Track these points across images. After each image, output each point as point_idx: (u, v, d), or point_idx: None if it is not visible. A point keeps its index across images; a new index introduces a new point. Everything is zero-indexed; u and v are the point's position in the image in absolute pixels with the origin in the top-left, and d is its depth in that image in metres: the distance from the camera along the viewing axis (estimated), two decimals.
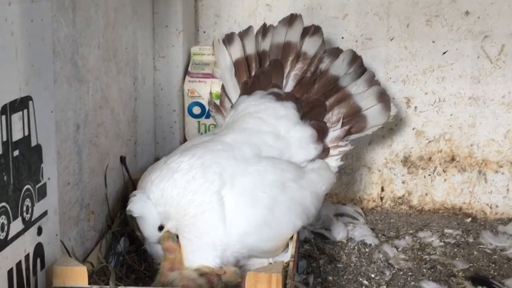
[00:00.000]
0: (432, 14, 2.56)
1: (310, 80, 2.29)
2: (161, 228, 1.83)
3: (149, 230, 1.84)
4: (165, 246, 1.82)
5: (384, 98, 2.32)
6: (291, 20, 2.39)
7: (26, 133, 1.44)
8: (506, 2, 2.51)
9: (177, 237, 1.83)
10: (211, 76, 2.48)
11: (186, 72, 2.53)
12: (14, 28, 1.36)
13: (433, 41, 2.58)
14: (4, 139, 1.35)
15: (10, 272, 1.39)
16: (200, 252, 1.80)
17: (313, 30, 2.37)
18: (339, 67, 2.32)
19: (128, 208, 1.84)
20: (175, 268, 1.79)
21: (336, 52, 2.36)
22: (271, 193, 1.90)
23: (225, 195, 1.83)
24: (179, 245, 1.82)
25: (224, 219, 1.81)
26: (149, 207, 1.82)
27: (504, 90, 2.58)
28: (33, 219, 1.48)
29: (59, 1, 1.64)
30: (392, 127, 2.65)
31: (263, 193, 1.88)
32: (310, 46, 2.34)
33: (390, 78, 2.61)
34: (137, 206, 1.82)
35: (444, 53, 2.58)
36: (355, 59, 2.36)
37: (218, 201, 1.81)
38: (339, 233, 2.46)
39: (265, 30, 2.44)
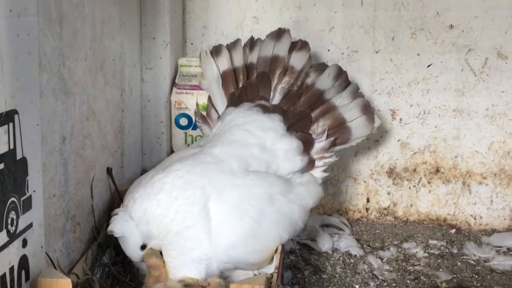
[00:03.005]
0: (417, 28, 2.59)
1: (296, 94, 2.31)
2: (143, 247, 1.84)
3: (131, 249, 1.85)
4: (149, 263, 1.83)
5: (368, 110, 2.35)
6: (279, 34, 2.41)
7: (12, 146, 1.45)
8: (489, 16, 2.55)
9: (161, 253, 1.84)
10: (198, 87, 2.50)
11: (173, 84, 2.54)
12: (0, 43, 1.38)
13: (418, 54, 2.61)
14: None
15: None
16: (185, 267, 1.81)
17: (300, 45, 2.40)
18: (324, 82, 2.35)
19: (109, 228, 1.84)
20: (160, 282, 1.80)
21: (322, 67, 2.39)
22: (259, 205, 1.92)
23: (211, 208, 1.85)
24: (163, 261, 1.82)
25: (209, 232, 1.82)
26: (131, 227, 1.82)
27: (488, 102, 2.61)
28: (18, 231, 1.49)
29: (46, 14, 1.66)
30: (378, 138, 2.68)
31: (250, 206, 1.90)
32: (297, 60, 2.37)
33: (376, 90, 2.64)
34: (119, 226, 1.83)
35: (428, 65, 2.61)
36: (340, 74, 2.39)
37: (202, 214, 1.82)
38: (324, 244, 2.48)
39: (252, 43, 2.46)
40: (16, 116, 1.45)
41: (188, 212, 1.82)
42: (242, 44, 2.48)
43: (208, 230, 1.82)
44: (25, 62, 1.49)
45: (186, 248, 1.81)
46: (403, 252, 2.47)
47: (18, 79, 1.45)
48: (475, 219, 2.69)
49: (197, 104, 2.47)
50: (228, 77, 2.40)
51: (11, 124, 1.44)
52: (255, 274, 1.87)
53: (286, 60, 2.37)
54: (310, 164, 2.23)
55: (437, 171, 2.68)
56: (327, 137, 2.27)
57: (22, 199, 1.50)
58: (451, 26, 2.58)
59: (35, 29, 1.54)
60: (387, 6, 2.58)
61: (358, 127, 2.32)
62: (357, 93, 2.38)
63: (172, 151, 2.53)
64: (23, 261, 1.52)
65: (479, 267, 2.38)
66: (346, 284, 2.23)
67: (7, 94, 1.42)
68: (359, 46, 2.63)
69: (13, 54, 1.43)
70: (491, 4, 2.54)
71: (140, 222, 1.82)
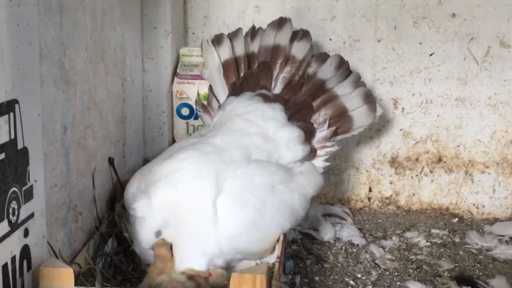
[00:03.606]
0: (419, 16, 2.58)
1: (298, 83, 2.31)
2: (158, 234, 1.85)
3: (146, 233, 1.86)
4: (158, 253, 1.83)
5: (370, 99, 2.34)
6: (280, 23, 2.40)
7: (12, 136, 1.45)
8: (492, 5, 2.54)
9: (171, 247, 1.84)
10: (199, 77, 2.50)
11: (174, 74, 2.54)
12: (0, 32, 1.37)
13: (420, 43, 2.60)
14: None
15: None
16: (192, 258, 1.81)
17: (302, 35, 2.39)
18: (326, 71, 2.34)
19: (133, 206, 1.87)
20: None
21: (323, 57, 2.38)
22: (260, 195, 1.92)
23: (218, 201, 1.86)
24: (171, 254, 1.82)
25: (215, 224, 1.83)
26: (153, 211, 1.85)
27: (490, 91, 2.60)
28: (19, 221, 1.49)
29: (46, 4, 1.65)
30: (380, 128, 2.67)
31: (251, 195, 1.90)
32: (298, 50, 2.36)
33: (378, 80, 2.63)
34: (143, 206, 1.86)
35: (431, 54, 2.60)
36: (342, 63, 2.39)
37: (212, 208, 1.83)
38: (326, 233, 2.48)
39: (254, 32, 2.45)
40: (16, 106, 1.45)
41: (202, 205, 1.84)
42: (244, 33, 2.47)
43: (215, 222, 1.82)
44: (26, 51, 1.49)
45: (196, 238, 1.82)
46: (405, 241, 2.48)
47: (18, 69, 1.45)
48: (477, 208, 2.69)
49: (198, 94, 2.47)
50: (229, 66, 2.40)
51: (11, 114, 1.44)
52: (257, 264, 1.87)
53: (287, 50, 2.36)
54: (312, 153, 2.22)
55: (440, 160, 2.68)
56: (329, 126, 2.26)
57: (23, 189, 1.50)
58: (453, 15, 2.57)
59: (35, 19, 1.53)
60: None
61: (360, 116, 2.31)
62: (358, 82, 2.37)
63: (173, 141, 2.53)
64: (25, 251, 1.53)
65: (481, 256, 2.38)
66: (348, 273, 2.23)
67: (8, 84, 1.41)
68: (361, 35, 2.62)
69: (13, 43, 1.43)
70: None
71: (161, 210, 1.84)
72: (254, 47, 2.42)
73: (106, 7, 2.07)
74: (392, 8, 2.58)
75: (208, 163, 1.93)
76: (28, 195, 1.53)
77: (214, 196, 1.85)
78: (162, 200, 1.85)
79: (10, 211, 1.45)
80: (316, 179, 2.15)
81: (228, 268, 1.87)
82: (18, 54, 1.45)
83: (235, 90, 2.33)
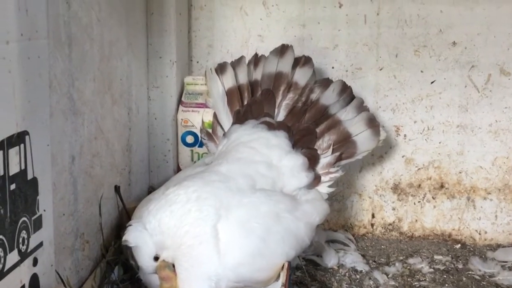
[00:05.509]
0: (420, 45, 2.62)
1: (301, 110, 2.33)
2: (156, 258, 1.85)
3: (144, 260, 1.85)
4: (161, 275, 1.83)
5: (373, 123, 2.36)
6: (282, 50, 2.43)
7: (23, 167, 1.47)
8: (492, 33, 2.57)
9: (173, 266, 1.85)
10: (204, 105, 2.53)
11: (179, 102, 2.57)
12: (11, 66, 1.41)
13: (422, 71, 2.63)
14: (1, 173, 1.39)
15: None
16: (195, 282, 1.82)
17: (304, 61, 2.42)
18: (329, 97, 2.36)
19: (124, 238, 1.85)
20: None
21: (326, 83, 2.40)
22: (265, 223, 1.93)
23: (220, 227, 1.86)
24: (175, 274, 1.83)
25: (218, 250, 1.84)
26: (145, 237, 1.83)
27: (491, 118, 2.63)
28: (29, 250, 1.51)
29: (56, 37, 1.69)
30: (382, 154, 2.70)
31: (257, 224, 1.91)
32: (301, 76, 2.39)
33: (380, 107, 2.66)
34: (133, 236, 1.84)
35: (432, 82, 2.63)
36: (345, 89, 2.40)
37: (213, 233, 1.84)
38: (330, 259, 2.49)
39: (256, 60, 2.48)
40: (27, 137, 1.48)
41: (201, 228, 1.83)
42: (247, 61, 2.50)
43: (218, 249, 1.83)
44: (36, 84, 1.52)
45: (198, 261, 1.81)
46: (408, 267, 2.49)
47: (29, 101, 1.48)
48: (480, 234, 2.71)
49: (203, 122, 2.49)
50: (233, 94, 2.42)
51: (22, 145, 1.47)
52: None
53: (289, 76, 2.38)
54: (316, 180, 2.23)
55: (442, 186, 2.70)
56: (333, 152, 2.28)
57: (32, 218, 1.53)
58: (454, 43, 2.60)
59: (46, 52, 1.57)
60: (390, 24, 2.61)
61: (363, 140, 2.33)
62: (361, 107, 2.39)
63: (178, 169, 2.56)
64: (34, 280, 1.55)
65: (484, 282, 2.39)
66: None
67: (19, 116, 1.45)
68: (363, 63, 2.66)
69: (24, 76, 1.46)
70: (493, 21, 2.57)
71: (154, 233, 1.82)
72: (257, 74, 2.45)
73: (113, 38, 2.11)
74: (393, 37, 2.62)
75: (211, 190, 1.93)
76: (37, 224, 1.55)
77: (213, 220, 1.85)
78: (155, 223, 1.83)
79: (20, 240, 1.47)
80: (322, 207, 2.16)
81: None
82: (29, 86, 1.49)
83: (239, 118, 2.36)
